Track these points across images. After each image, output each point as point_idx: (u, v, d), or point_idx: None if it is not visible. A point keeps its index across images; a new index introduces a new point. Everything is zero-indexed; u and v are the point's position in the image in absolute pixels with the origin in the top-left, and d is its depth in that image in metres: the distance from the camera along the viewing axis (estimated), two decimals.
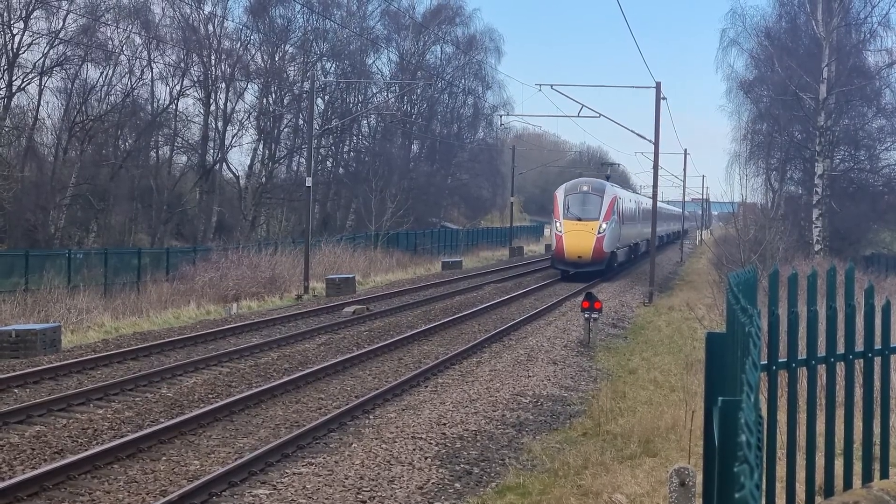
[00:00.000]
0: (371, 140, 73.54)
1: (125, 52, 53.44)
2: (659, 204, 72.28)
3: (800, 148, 47.59)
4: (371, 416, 15.64)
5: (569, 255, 43.71)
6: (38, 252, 36.50)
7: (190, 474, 12.00)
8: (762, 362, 7.08)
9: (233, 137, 61.64)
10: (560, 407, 17.10)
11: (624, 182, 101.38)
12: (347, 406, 15.87)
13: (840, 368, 8.16)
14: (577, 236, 43.52)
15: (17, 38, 46.59)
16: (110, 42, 52.30)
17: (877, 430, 8.19)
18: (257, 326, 26.25)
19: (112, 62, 52.13)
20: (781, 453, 7.91)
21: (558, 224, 44.33)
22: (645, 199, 67.95)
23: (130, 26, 53.49)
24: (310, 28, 65.37)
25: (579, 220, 43.76)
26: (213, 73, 59.73)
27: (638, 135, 44.58)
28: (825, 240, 43.05)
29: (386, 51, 73.22)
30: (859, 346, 8.14)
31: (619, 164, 64.82)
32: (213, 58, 59.54)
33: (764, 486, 6.94)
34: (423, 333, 25.43)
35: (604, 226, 43.79)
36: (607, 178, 52.90)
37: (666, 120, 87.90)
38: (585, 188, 45.29)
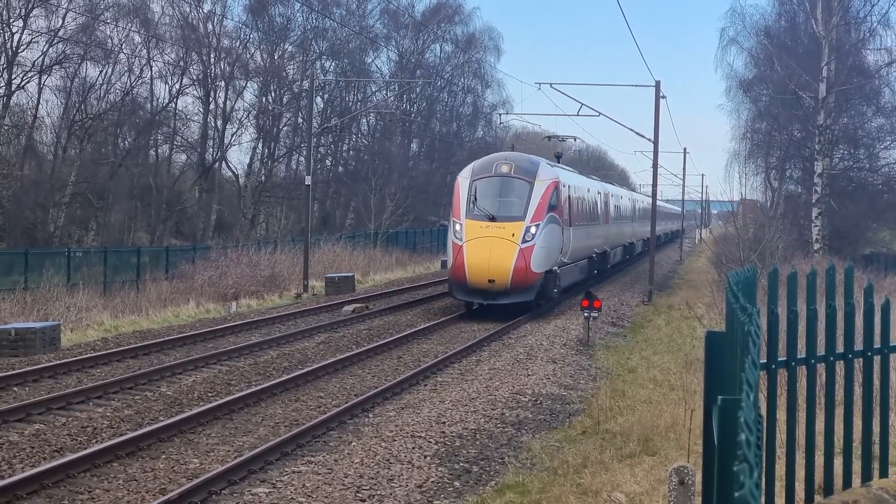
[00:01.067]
0: (370, 139, 73.56)
1: (124, 51, 53.49)
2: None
3: (799, 147, 47.59)
4: (370, 415, 15.64)
5: (473, 279, 27.78)
6: (37, 250, 36.50)
7: (189, 473, 12.00)
8: (761, 361, 7.09)
9: (232, 136, 61.70)
10: (559, 405, 17.10)
11: (623, 181, 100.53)
12: (347, 404, 15.87)
13: (839, 367, 8.17)
14: (486, 247, 27.87)
15: (16, 37, 46.62)
16: (109, 40, 52.33)
17: (876, 428, 8.19)
18: (257, 325, 26.25)
19: (111, 60, 52.15)
20: (781, 452, 7.91)
21: (458, 227, 28.61)
22: (621, 191, 55.01)
23: (130, 25, 53.49)
24: (309, 27, 65.39)
25: (492, 219, 28.29)
26: (213, 71, 59.74)
27: (637, 133, 44.48)
28: (824, 238, 43.06)
29: (385, 49, 73.26)
30: (858, 345, 8.15)
31: (574, 139, 47.30)
32: (212, 56, 59.56)
33: (763, 485, 6.94)
34: (422, 332, 25.42)
35: (533, 229, 28.31)
36: (558, 160, 38.49)
37: (665, 119, 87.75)
38: (505, 168, 29.51)
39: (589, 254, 37.67)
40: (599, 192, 41.83)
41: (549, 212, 29.15)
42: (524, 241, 28.08)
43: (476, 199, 28.86)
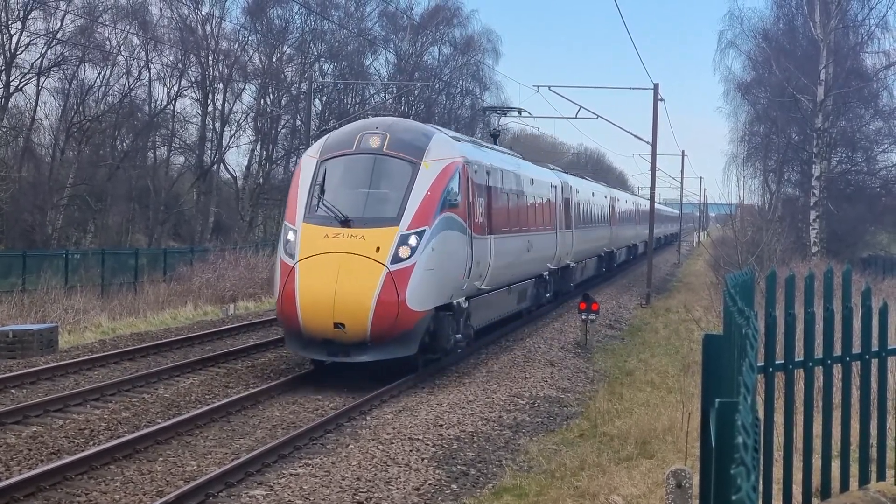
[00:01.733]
0: None
1: (123, 53, 53.48)
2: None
3: (797, 150, 47.62)
4: (368, 418, 15.63)
5: (309, 321, 17.54)
6: (35, 252, 36.49)
7: (187, 475, 11.99)
8: (759, 364, 7.09)
9: (230, 138, 61.66)
10: (557, 408, 17.10)
11: (621, 184, 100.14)
12: (344, 407, 15.85)
13: (837, 370, 8.17)
14: (330, 269, 17.61)
15: (14, 39, 46.58)
16: (108, 42, 52.30)
17: (874, 431, 8.20)
18: (254, 327, 26.23)
19: (110, 63, 52.14)
20: (778, 455, 7.91)
21: (290, 236, 18.38)
22: (593, 186, 44.06)
23: (128, 27, 53.49)
24: (307, 29, 65.38)
25: (345, 223, 17.99)
26: (211, 73, 59.72)
27: (635, 136, 44.54)
28: (822, 242, 43.08)
29: (384, 52, 73.24)
30: (856, 348, 8.15)
31: (519, 112, 35.06)
32: (210, 58, 59.53)
33: (760, 488, 6.94)
34: None
35: (413, 240, 17.94)
36: (495, 140, 29.88)
37: (664, 121, 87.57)
38: (374, 142, 18.97)
39: (536, 271, 27.65)
40: (554, 186, 31.10)
41: (444, 210, 18.50)
42: (396, 259, 17.52)
43: (323, 190, 18.47)
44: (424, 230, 18.02)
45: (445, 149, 19.69)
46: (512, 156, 28.18)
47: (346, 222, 17.95)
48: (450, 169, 19.07)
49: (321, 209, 18.31)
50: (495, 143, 28.57)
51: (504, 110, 37.29)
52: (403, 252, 17.68)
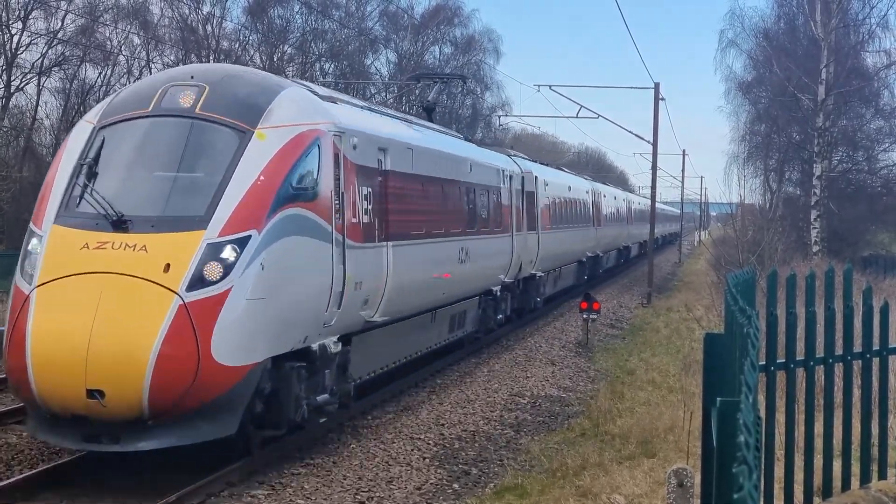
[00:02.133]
0: None
1: (124, 53, 53.47)
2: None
3: (798, 149, 47.61)
4: (369, 417, 15.62)
5: (44, 385, 10.46)
6: None
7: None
8: (760, 363, 7.09)
9: None
10: (558, 407, 17.11)
11: (622, 183, 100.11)
12: (346, 407, 15.83)
13: (838, 369, 8.18)
14: (87, 296, 10.60)
15: (15, 38, 46.61)
16: (109, 42, 52.34)
17: (875, 430, 8.21)
18: None
19: (111, 62, 52.17)
20: (779, 454, 7.92)
21: (34, 245, 11.34)
22: (562, 178, 34.58)
23: (129, 26, 53.52)
24: (308, 28, 65.42)
25: (119, 226, 11.02)
26: None
27: (636, 135, 44.57)
28: (823, 241, 43.08)
29: (384, 51, 73.31)
30: (858, 347, 8.16)
31: (465, 82, 29.21)
32: (211, 58, 59.56)
33: (762, 487, 6.95)
34: None
35: (230, 253, 11.03)
36: (429, 115, 24.53)
37: (664, 121, 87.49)
38: (186, 97, 11.94)
39: (480, 287, 21.53)
40: (510, 176, 24.18)
41: (287, 205, 11.87)
42: (198, 282, 10.97)
43: (93, 173, 11.81)
44: (250, 236, 11.29)
45: (301, 110, 12.82)
46: (444, 133, 21.71)
47: (120, 224, 11.17)
48: (302, 141, 12.28)
49: (85, 203, 11.55)
50: (430, 120, 22.68)
51: (442, 78, 29.85)
52: (212, 272, 10.98)
